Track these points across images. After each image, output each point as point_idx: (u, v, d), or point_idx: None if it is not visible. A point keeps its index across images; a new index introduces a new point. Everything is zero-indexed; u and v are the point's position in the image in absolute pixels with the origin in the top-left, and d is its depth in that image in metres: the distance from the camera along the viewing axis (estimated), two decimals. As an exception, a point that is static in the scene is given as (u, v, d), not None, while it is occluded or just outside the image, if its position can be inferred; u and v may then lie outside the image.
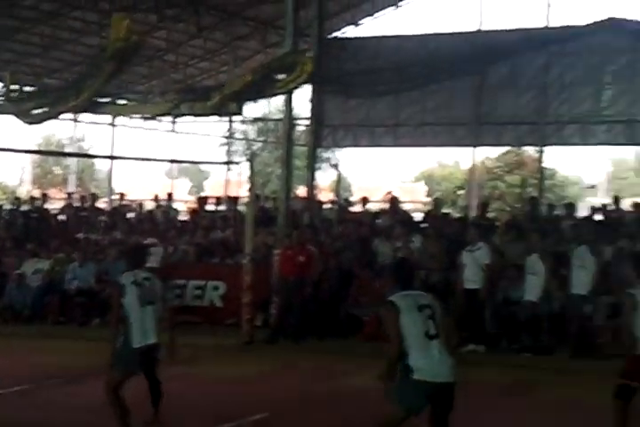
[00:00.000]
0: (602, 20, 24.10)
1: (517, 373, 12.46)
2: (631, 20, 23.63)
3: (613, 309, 13.26)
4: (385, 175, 75.20)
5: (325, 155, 39.52)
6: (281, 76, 11.44)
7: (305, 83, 12.56)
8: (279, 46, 25.24)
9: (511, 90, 25.84)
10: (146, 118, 11.26)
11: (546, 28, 25.33)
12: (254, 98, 12.69)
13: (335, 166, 17.99)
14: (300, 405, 10.39)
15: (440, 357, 6.90)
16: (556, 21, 25.43)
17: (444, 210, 23.28)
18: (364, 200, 20.81)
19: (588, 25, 24.34)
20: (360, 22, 28.96)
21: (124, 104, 14.22)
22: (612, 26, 23.28)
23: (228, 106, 11.33)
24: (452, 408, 6.94)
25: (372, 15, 28.79)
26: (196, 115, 12.67)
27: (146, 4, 25.49)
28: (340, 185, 18.53)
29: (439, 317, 7.01)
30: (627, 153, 69.08)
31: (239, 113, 13.29)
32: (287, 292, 15.15)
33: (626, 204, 19.67)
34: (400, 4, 28.11)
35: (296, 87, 13.03)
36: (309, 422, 9.65)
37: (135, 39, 10.27)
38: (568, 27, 25.18)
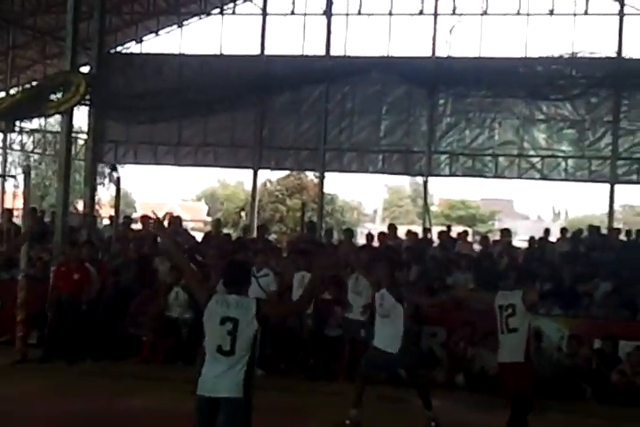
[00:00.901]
0: (374, 57, 25.10)
1: (295, 396, 12.51)
2: (400, 58, 24.76)
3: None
4: (167, 192, 74.56)
5: (107, 170, 38.79)
6: (54, 96, 11.03)
7: (79, 104, 12.17)
8: (59, 57, 24.67)
9: (292, 115, 26.32)
10: None
11: (327, 56, 25.99)
12: (25, 117, 12.19)
13: (116, 182, 17.64)
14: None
15: (225, 372, 6.76)
16: (337, 50, 26.22)
17: (226, 230, 23.31)
18: (145, 218, 20.47)
19: (364, 58, 25.27)
20: (144, 39, 28.78)
21: None
22: (383, 64, 24.30)
23: (-3, 124, 10.76)
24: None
25: (155, 33, 28.66)
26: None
27: None
28: (119, 201, 18.11)
29: (242, 331, 6.80)
30: (403, 181, 71.50)
31: (11, 131, 12.76)
32: (60, 310, 14.63)
33: (402, 231, 20.30)
34: (184, 23, 28.16)
35: (70, 108, 12.61)
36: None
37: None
38: (347, 57, 25.98)
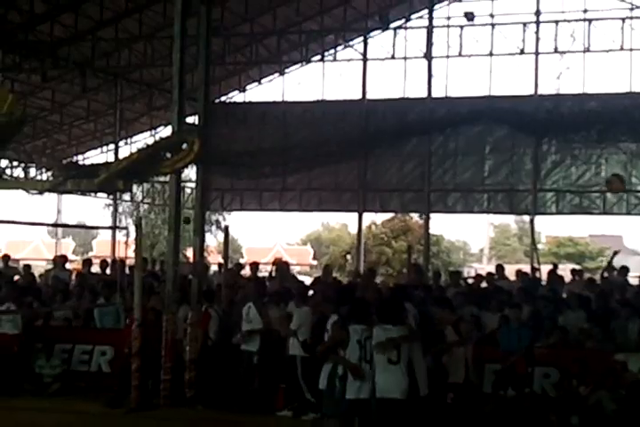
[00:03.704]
0: (477, 98, 25.11)
1: None
2: (504, 98, 24.76)
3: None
4: (273, 237, 75.09)
5: (214, 217, 39.36)
6: (169, 155, 11.26)
7: (192, 163, 12.38)
8: (166, 109, 25.27)
9: (395, 157, 26.36)
10: (31, 194, 10.79)
11: (428, 98, 26.04)
12: (142, 177, 12.39)
13: (225, 230, 17.97)
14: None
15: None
16: (438, 92, 26.28)
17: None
18: (254, 265, 20.59)
19: (467, 99, 25.29)
20: (247, 88, 29.30)
21: (7, 180, 13.71)
22: (489, 114, 24.23)
23: (114, 183, 11.04)
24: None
25: (258, 81, 29.17)
26: (82, 191, 12.25)
27: (30, 64, 25.28)
28: (228, 248, 18.30)
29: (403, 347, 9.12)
30: (509, 219, 70.45)
31: (127, 190, 12.98)
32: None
33: (509, 270, 20.00)
34: (286, 71, 28.59)
35: (183, 167, 12.82)
36: None
37: (18, 116, 9.93)
38: (448, 98, 26.02)
